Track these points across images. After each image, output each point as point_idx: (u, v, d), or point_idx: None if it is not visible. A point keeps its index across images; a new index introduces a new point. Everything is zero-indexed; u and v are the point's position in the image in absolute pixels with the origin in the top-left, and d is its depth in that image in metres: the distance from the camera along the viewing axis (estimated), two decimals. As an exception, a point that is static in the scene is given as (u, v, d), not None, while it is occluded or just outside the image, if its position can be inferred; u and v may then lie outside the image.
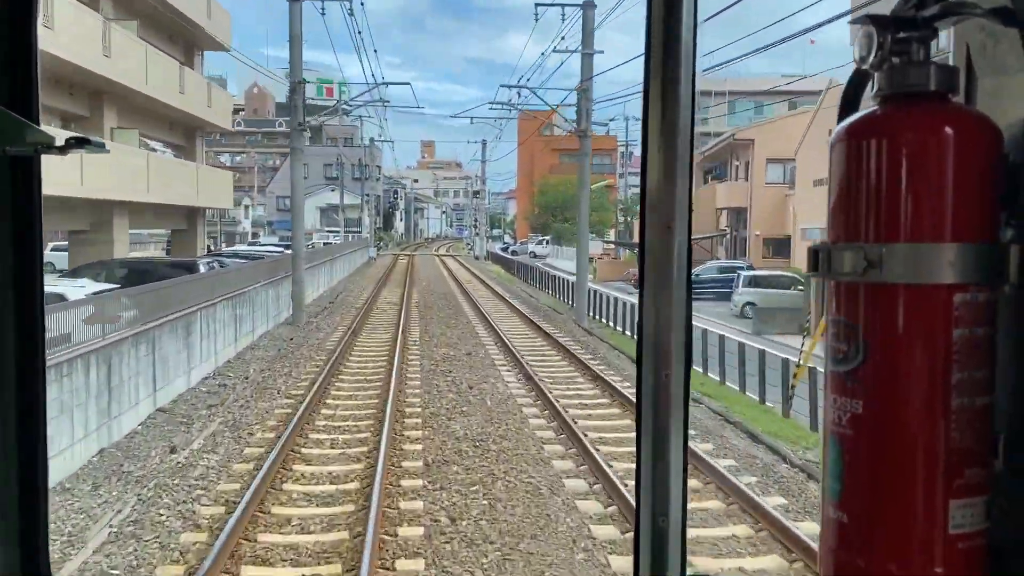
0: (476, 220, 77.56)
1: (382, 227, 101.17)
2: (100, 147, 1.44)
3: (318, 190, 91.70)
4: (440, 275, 50.52)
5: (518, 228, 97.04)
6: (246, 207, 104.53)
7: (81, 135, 1.37)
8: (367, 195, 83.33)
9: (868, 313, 1.05)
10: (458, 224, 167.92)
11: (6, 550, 1.35)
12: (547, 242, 78.95)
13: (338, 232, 74.29)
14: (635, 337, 1.32)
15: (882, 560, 1.04)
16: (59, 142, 1.32)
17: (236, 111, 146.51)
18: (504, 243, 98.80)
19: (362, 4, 32.19)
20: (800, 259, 36.06)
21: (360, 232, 73.97)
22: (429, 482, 10.20)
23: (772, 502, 9.58)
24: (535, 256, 75.79)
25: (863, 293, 1.05)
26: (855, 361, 1.05)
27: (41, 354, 1.38)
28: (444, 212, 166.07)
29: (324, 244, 62.66)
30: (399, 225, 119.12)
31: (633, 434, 1.38)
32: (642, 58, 1.28)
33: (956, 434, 1.02)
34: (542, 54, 44.07)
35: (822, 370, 1.21)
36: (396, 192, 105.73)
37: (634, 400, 1.35)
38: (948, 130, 1.03)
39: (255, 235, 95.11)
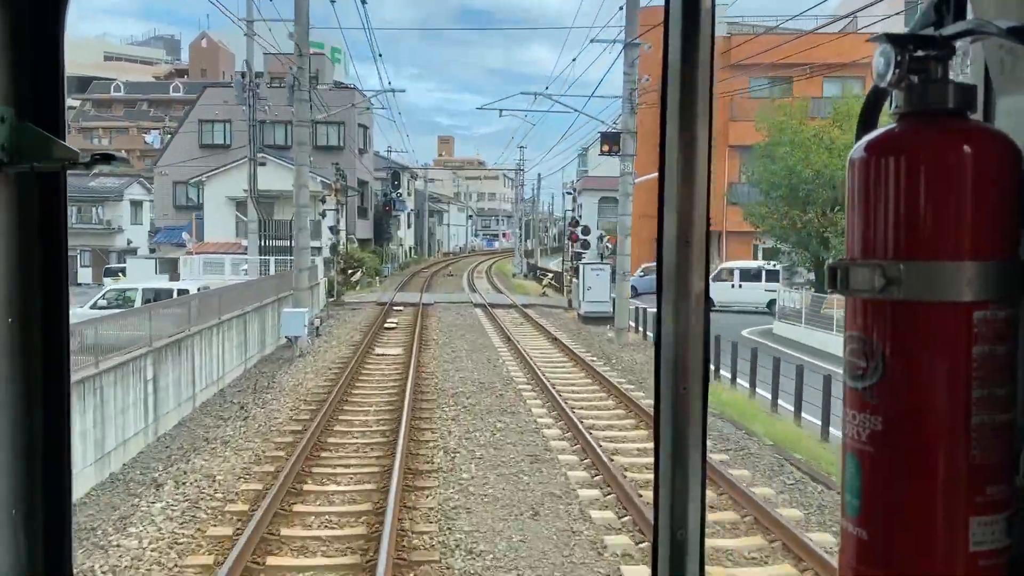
0: (581, 229, 31.67)
1: (373, 238, 54.87)
2: (124, 162, 1.37)
3: (237, 164, 44.71)
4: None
5: (632, 242, 48.39)
6: (133, 204, 59.39)
7: (106, 151, 1.38)
8: (340, 177, 37.64)
9: (887, 330, 1.04)
10: (484, 232, 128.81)
11: (31, 551, 1.37)
12: (795, 279, 30.97)
13: (255, 255, 28.01)
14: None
15: None
16: (84, 158, 1.34)
17: (176, 74, 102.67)
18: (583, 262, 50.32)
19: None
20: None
21: (310, 253, 27.03)
22: None
23: None
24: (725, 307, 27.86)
25: (882, 310, 1.04)
26: (874, 378, 1.04)
27: (66, 358, 1.40)
28: (471, 217, 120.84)
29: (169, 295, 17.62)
30: (405, 234, 73.18)
31: None
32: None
33: (977, 451, 1.01)
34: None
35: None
36: (397, 177, 60.60)
37: None
38: (966, 148, 1.02)
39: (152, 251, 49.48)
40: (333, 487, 10.01)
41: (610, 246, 36.78)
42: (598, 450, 11.18)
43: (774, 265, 31.99)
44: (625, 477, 10.14)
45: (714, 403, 14.02)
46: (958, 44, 1.07)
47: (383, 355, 20.79)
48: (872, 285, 1.03)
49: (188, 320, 16.06)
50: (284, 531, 8.47)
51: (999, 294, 1.01)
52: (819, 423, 13.12)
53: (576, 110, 30.27)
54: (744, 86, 38.03)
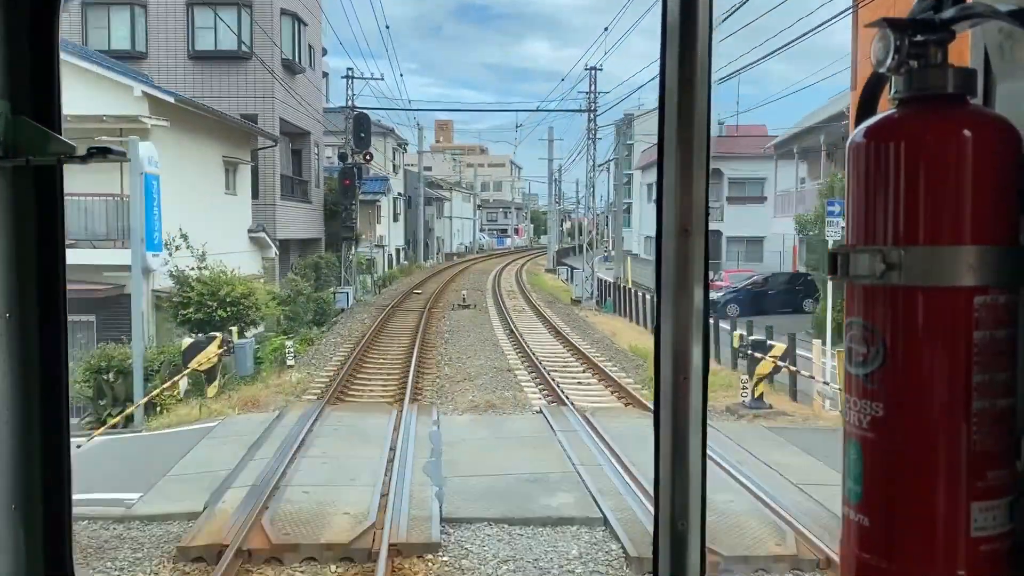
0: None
1: (323, 238, 27.09)
2: (121, 156, 1.42)
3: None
4: None
5: None
6: None
7: (103, 146, 1.39)
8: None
9: (888, 316, 1.05)
10: (491, 227, 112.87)
11: (31, 551, 1.36)
12: None
13: None
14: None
15: (904, 563, 1.04)
16: (81, 151, 1.35)
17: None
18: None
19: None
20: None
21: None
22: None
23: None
24: None
25: (882, 296, 1.05)
26: (875, 364, 1.05)
27: (64, 355, 1.39)
28: (479, 207, 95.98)
29: None
30: (389, 230, 46.19)
31: None
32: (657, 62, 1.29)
33: (978, 436, 1.02)
34: None
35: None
36: (364, 125, 33.73)
37: None
38: (967, 132, 1.03)
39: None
40: None
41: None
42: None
43: None
44: None
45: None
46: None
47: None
48: (872, 271, 1.03)
49: None
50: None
51: (999, 279, 1.01)
52: None
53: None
54: None
